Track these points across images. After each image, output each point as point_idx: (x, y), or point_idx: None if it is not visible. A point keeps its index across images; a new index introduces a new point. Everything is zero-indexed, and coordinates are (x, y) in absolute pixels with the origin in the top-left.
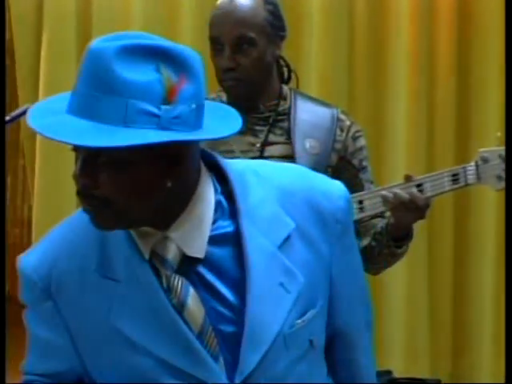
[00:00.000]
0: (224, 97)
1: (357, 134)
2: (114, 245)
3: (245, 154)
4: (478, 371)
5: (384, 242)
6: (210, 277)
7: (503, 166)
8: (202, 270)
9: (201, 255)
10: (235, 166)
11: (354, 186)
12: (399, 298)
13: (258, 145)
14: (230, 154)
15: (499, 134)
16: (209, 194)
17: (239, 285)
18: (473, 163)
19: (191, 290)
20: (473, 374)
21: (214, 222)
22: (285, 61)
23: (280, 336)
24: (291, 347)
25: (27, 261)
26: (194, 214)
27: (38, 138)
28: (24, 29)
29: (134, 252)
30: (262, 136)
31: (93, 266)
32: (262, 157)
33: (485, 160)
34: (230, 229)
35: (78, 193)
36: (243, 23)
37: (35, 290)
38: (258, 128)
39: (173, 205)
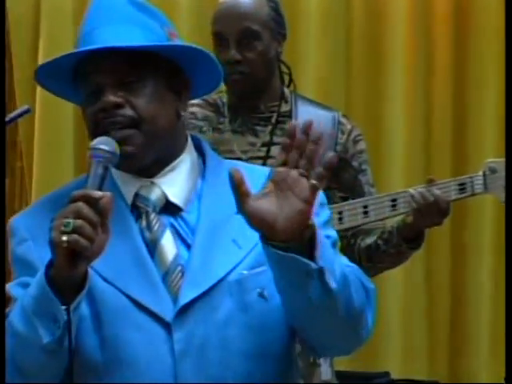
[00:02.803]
0: (225, 98)
1: (357, 138)
2: None
3: (245, 153)
4: (475, 372)
5: (393, 242)
6: (184, 229)
7: None
8: (180, 221)
9: (182, 204)
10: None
11: (353, 187)
12: (396, 300)
13: (259, 144)
14: (231, 153)
15: None
16: (194, 158)
17: None
18: (480, 173)
19: (167, 231)
20: (470, 375)
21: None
22: (285, 64)
23: (224, 282)
24: (235, 295)
25: (15, 217)
26: (182, 167)
27: (36, 139)
28: (21, 29)
29: (117, 198)
30: (262, 136)
31: None
32: (265, 157)
33: (493, 170)
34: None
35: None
36: (247, 17)
37: (18, 234)
38: (258, 128)
39: (171, 149)
